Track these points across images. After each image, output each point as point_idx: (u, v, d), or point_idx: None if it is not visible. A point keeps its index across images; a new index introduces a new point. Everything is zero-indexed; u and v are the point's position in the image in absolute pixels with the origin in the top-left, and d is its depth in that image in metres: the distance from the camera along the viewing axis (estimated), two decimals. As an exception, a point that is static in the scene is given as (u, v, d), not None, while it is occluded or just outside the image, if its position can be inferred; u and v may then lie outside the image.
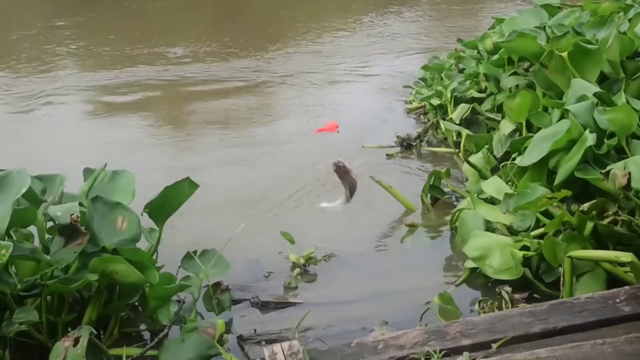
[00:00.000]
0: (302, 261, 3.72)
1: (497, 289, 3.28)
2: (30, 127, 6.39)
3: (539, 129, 3.97)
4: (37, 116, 6.71)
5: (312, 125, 5.93)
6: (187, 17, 10.94)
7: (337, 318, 3.26)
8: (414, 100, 6.22)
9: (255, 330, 3.14)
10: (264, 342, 2.97)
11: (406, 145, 5.32)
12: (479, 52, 5.63)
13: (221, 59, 8.20)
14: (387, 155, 5.23)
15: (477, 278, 3.44)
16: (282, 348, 2.56)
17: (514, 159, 3.93)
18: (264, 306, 3.42)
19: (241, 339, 3.08)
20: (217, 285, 3.40)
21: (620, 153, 3.47)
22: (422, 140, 5.35)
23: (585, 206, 3.20)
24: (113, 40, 9.48)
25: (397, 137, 5.38)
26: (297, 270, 3.69)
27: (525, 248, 3.34)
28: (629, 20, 4.37)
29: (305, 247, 3.76)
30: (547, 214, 3.41)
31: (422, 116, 5.92)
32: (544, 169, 3.60)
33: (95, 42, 9.46)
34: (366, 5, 10.79)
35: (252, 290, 3.53)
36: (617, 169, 3.17)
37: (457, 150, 4.86)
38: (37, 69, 8.21)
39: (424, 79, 6.43)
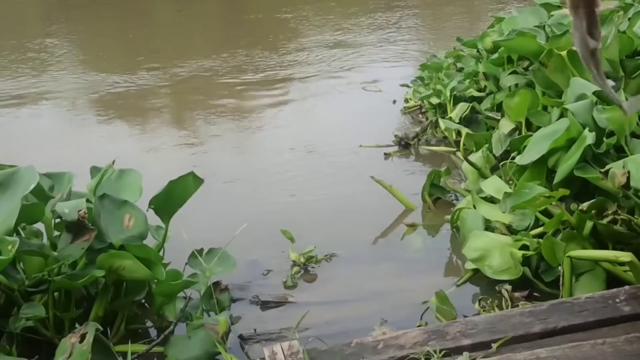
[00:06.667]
0: (302, 260, 3.72)
1: (496, 287, 3.29)
2: (32, 128, 6.38)
3: (538, 127, 3.99)
4: (38, 116, 6.71)
5: (307, 126, 5.97)
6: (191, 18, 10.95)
7: (337, 317, 3.27)
8: (410, 99, 6.21)
9: (255, 330, 3.15)
10: (263, 342, 2.98)
11: (404, 145, 5.32)
12: (478, 51, 5.63)
13: (224, 60, 8.19)
14: (385, 154, 5.23)
15: (477, 277, 3.45)
16: (282, 348, 2.57)
17: (514, 157, 3.93)
18: (264, 305, 3.42)
19: (241, 339, 3.09)
20: (216, 284, 3.41)
21: (620, 152, 3.48)
22: (419, 140, 5.35)
23: (584, 205, 3.21)
24: (116, 41, 9.48)
25: (395, 136, 5.38)
26: (295, 269, 3.69)
27: (524, 247, 3.35)
28: (629, 19, 4.36)
29: (306, 246, 3.76)
30: (547, 213, 3.42)
31: (420, 115, 5.92)
32: (543, 168, 3.61)
33: (97, 42, 9.47)
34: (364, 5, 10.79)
35: (252, 289, 3.54)
36: (616, 168, 3.18)
37: (456, 149, 4.85)
38: (37, 68, 8.20)
39: (421, 78, 6.42)
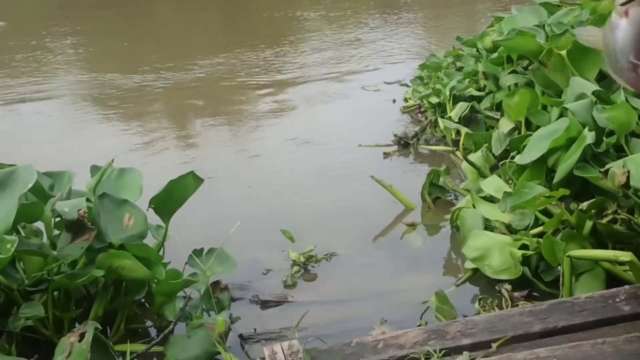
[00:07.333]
0: (302, 259, 3.72)
1: (496, 287, 3.29)
2: (33, 127, 6.38)
3: (538, 127, 3.99)
4: (39, 116, 6.71)
5: (307, 126, 5.96)
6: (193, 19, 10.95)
7: (337, 317, 3.27)
8: (410, 98, 6.21)
9: (255, 330, 3.15)
10: (263, 341, 2.98)
11: (403, 144, 5.32)
12: (477, 50, 5.63)
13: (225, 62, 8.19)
14: (385, 154, 5.23)
15: (477, 276, 3.45)
16: (282, 347, 2.56)
17: (513, 157, 3.93)
18: (264, 305, 3.42)
19: (241, 338, 3.09)
20: (216, 283, 3.41)
21: (619, 151, 3.49)
22: (419, 139, 5.35)
23: (584, 205, 3.21)
24: (117, 41, 9.48)
25: (395, 135, 5.38)
26: (295, 268, 3.69)
27: (524, 247, 3.35)
28: (628, 19, 4.36)
29: (306, 246, 3.76)
30: (547, 213, 3.42)
31: (419, 114, 5.92)
32: (543, 167, 3.61)
33: (97, 42, 9.46)
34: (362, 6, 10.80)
35: (252, 288, 3.54)
36: (616, 167, 3.18)
37: (455, 149, 4.85)
38: (38, 68, 8.20)
39: (420, 77, 6.42)
